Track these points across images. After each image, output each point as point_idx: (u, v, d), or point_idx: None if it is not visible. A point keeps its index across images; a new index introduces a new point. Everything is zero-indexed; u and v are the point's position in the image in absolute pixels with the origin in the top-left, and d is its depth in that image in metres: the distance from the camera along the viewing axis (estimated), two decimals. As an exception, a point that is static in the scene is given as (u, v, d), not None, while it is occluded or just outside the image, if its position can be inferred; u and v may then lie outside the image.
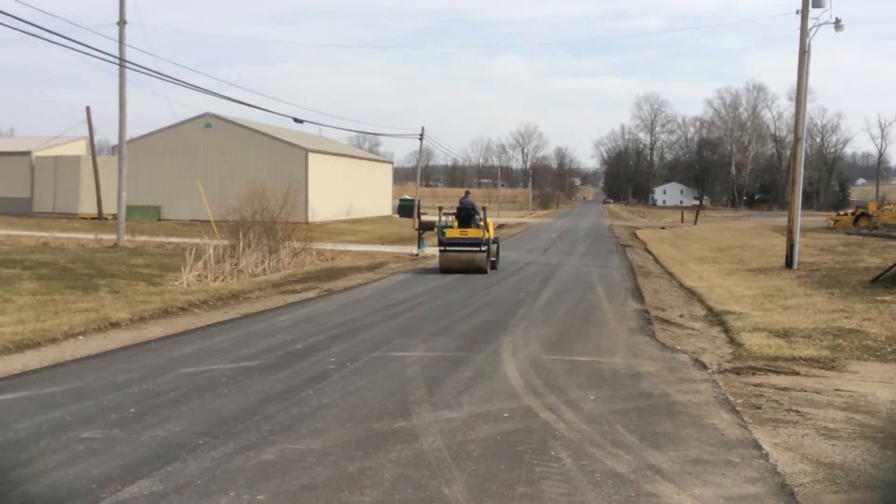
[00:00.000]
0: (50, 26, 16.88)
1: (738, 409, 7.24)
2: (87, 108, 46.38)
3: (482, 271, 20.33)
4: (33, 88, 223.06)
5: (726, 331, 11.70)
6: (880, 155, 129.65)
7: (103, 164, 45.95)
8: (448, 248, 20.68)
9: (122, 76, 26.81)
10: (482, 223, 20.95)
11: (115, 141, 36.30)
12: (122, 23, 26.68)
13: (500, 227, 39.64)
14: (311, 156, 47.30)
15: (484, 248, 20.43)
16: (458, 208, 21.36)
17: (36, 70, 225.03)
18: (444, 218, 22.14)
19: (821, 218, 53.66)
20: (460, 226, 20.92)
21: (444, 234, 21.03)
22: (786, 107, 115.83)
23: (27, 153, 50.96)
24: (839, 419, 6.92)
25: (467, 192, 23.13)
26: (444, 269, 20.55)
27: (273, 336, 10.88)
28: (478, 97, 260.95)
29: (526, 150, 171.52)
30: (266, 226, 21.63)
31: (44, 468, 5.40)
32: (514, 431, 6.40)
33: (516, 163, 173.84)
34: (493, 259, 21.76)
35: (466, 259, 20.40)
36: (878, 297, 14.42)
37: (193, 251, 18.54)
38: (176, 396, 7.42)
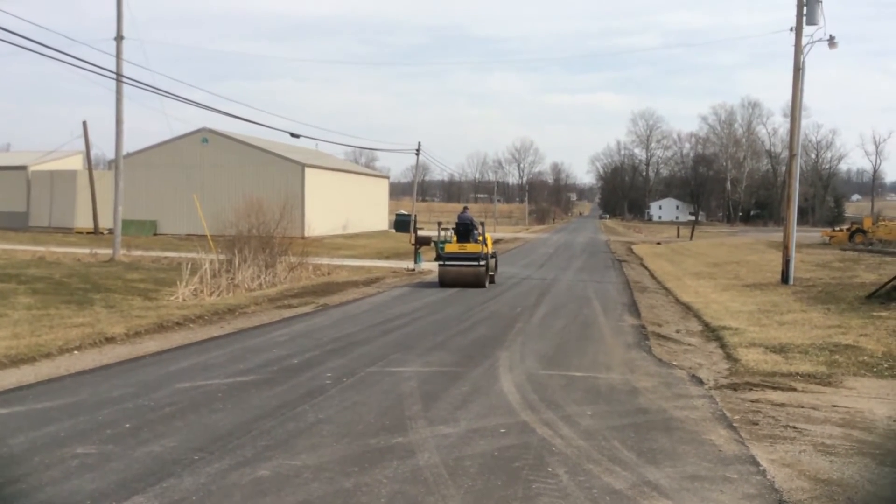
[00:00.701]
0: (47, 41, 16.92)
1: (735, 424, 7.23)
2: (84, 123, 46.48)
3: (480, 285, 20.42)
4: (30, 103, 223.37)
5: (723, 346, 11.71)
6: (875, 171, 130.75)
7: (100, 178, 45.99)
8: (447, 263, 20.81)
9: (118, 91, 26.89)
10: (480, 238, 21.05)
11: (111, 155, 36.36)
12: (119, 38, 26.80)
13: (496, 241, 39.66)
14: (308, 171, 47.40)
15: (482, 263, 20.55)
16: (457, 223, 21.47)
17: (33, 84, 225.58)
18: (443, 233, 22.23)
19: (816, 234, 53.84)
20: (459, 240, 21.03)
21: (443, 248, 21.16)
22: (781, 123, 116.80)
23: (23, 167, 51.01)
24: (836, 435, 6.92)
25: (466, 208, 23.33)
26: (443, 283, 20.66)
27: (269, 351, 10.85)
28: (474, 112, 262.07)
29: (522, 166, 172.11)
30: (262, 240, 21.62)
31: (38, 484, 5.36)
32: (511, 447, 6.38)
33: (512, 178, 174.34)
34: (492, 273, 21.92)
35: (465, 273, 20.53)
36: (875, 313, 14.43)
37: (189, 266, 18.51)
38: (171, 412, 7.39)
